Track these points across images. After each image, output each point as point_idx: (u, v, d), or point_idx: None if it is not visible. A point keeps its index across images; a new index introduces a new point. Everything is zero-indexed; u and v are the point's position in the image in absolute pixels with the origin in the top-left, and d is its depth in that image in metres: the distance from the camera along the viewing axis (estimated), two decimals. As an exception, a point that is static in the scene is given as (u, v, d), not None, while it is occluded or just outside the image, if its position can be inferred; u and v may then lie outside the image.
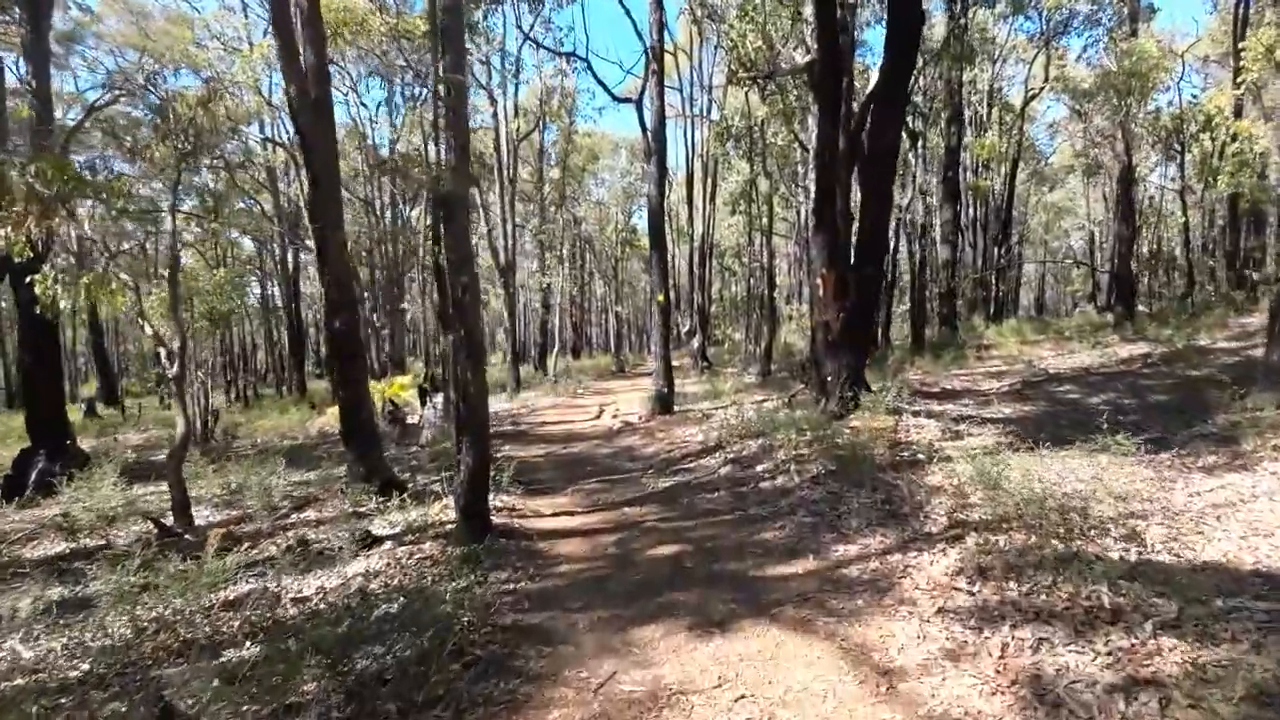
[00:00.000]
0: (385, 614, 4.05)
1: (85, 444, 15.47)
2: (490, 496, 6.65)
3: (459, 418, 5.02)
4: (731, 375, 18.17)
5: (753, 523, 5.39)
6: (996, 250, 28.31)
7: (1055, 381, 11.10)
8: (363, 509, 7.01)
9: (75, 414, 28.81)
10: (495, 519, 5.79)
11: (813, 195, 9.96)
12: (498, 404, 17.88)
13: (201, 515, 7.68)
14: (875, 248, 7.37)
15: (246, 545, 6.02)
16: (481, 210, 20.34)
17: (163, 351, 7.33)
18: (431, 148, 24.31)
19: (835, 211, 7.90)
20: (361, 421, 7.27)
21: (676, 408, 12.64)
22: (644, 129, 13.22)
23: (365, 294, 25.37)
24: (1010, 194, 28.02)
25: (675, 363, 18.47)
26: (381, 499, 7.10)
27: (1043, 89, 28.32)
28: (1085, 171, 28.18)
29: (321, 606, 4.34)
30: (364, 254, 24.21)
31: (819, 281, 7.93)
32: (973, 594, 3.66)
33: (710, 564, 4.57)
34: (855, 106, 10.56)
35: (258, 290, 34.14)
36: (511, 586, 4.31)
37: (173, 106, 8.16)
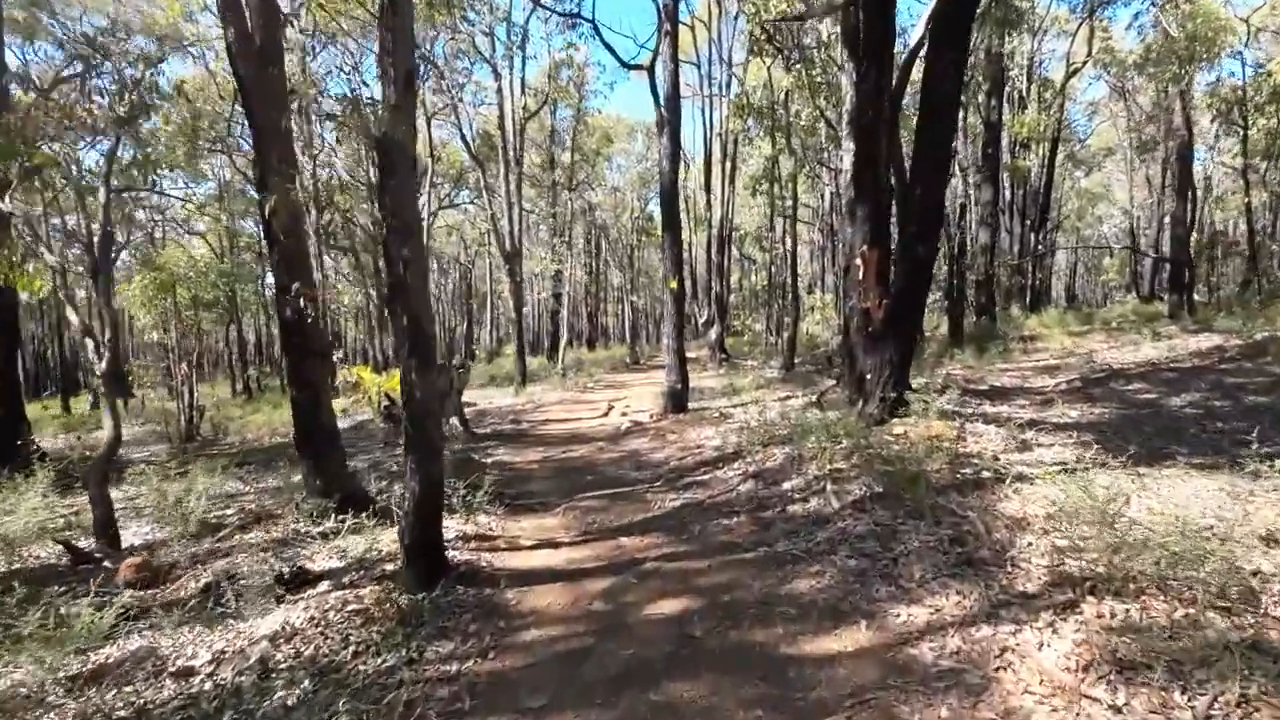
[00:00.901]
0: (280, 707, 2.96)
1: (66, 440, 14.70)
2: (461, 520, 5.57)
3: (405, 433, 3.90)
4: (752, 369, 16.95)
5: (781, 564, 4.22)
6: (1034, 235, 26.69)
7: (1121, 379, 9.77)
8: (316, 530, 5.96)
9: (82, 404, 28.48)
10: (459, 553, 4.67)
11: (847, 164, 8.69)
12: (502, 399, 16.85)
13: (139, 533, 6.68)
14: (928, 222, 6.13)
15: (161, 579, 4.99)
16: (486, 193, 19.25)
17: (90, 344, 6.30)
18: (434, 129, 23.30)
19: (878, 180, 6.66)
20: (318, 426, 6.19)
21: (691, 405, 11.48)
22: (656, 99, 11.99)
23: (370, 281, 24.44)
24: (1050, 175, 26.37)
25: (692, 355, 17.28)
26: (340, 517, 6.03)
27: (1085, 63, 26.58)
28: (1140, 148, 26.30)
29: (207, 686, 3.25)
30: (363, 241, 23.26)
31: (858, 263, 6.69)
32: (1119, 710, 2.46)
33: (727, 631, 3.41)
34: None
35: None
36: (454, 668, 3.17)
37: (107, 59, 7.08)
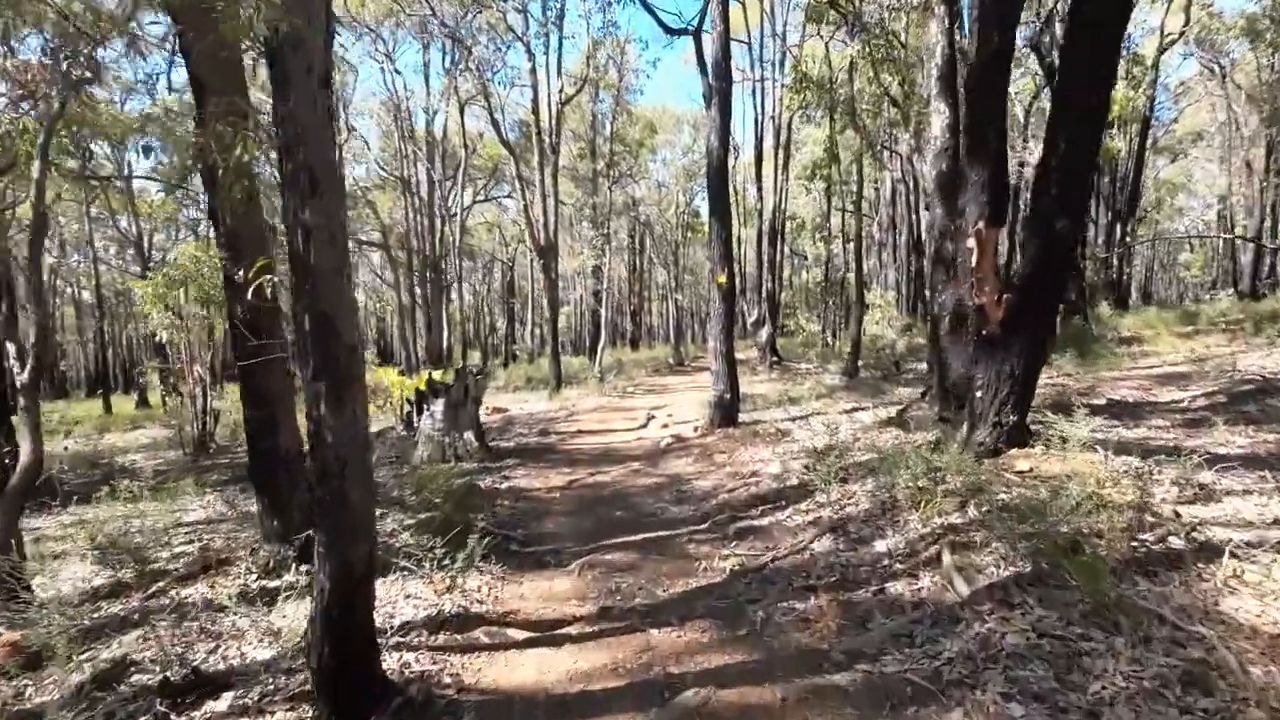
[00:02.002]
0: None
1: (77, 445, 14.01)
2: (441, 586, 4.20)
3: (314, 498, 2.53)
4: (809, 373, 15.27)
5: (897, 703, 2.71)
6: (1121, 226, 24.15)
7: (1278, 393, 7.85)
8: (271, 584, 4.70)
9: (126, 405, 28.55)
10: (418, 657, 3.29)
11: (938, 129, 7.05)
12: (536, 404, 15.62)
13: (77, 577, 5.56)
14: (1072, 186, 4.47)
15: (42, 664, 3.77)
16: (520, 183, 18.05)
17: (10, 349, 5.19)
18: (469, 121, 22.31)
19: (998, 135, 5.03)
20: (275, 453, 4.93)
21: (742, 416, 9.96)
22: (703, 69, 10.52)
23: (402, 279, 23.60)
24: (1140, 160, 23.84)
25: (740, 356, 15.72)
26: (301, 568, 4.77)
27: (1182, 33, 23.98)
28: (1269, 119, 23.54)
29: None
30: (399, 237, 22.47)
31: (969, 245, 5.08)
32: None
33: None
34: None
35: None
36: None
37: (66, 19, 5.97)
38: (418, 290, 21.91)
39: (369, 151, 24.86)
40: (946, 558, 3.75)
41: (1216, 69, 30.84)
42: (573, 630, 3.57)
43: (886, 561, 4.02)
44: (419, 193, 21.78)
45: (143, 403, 28.30)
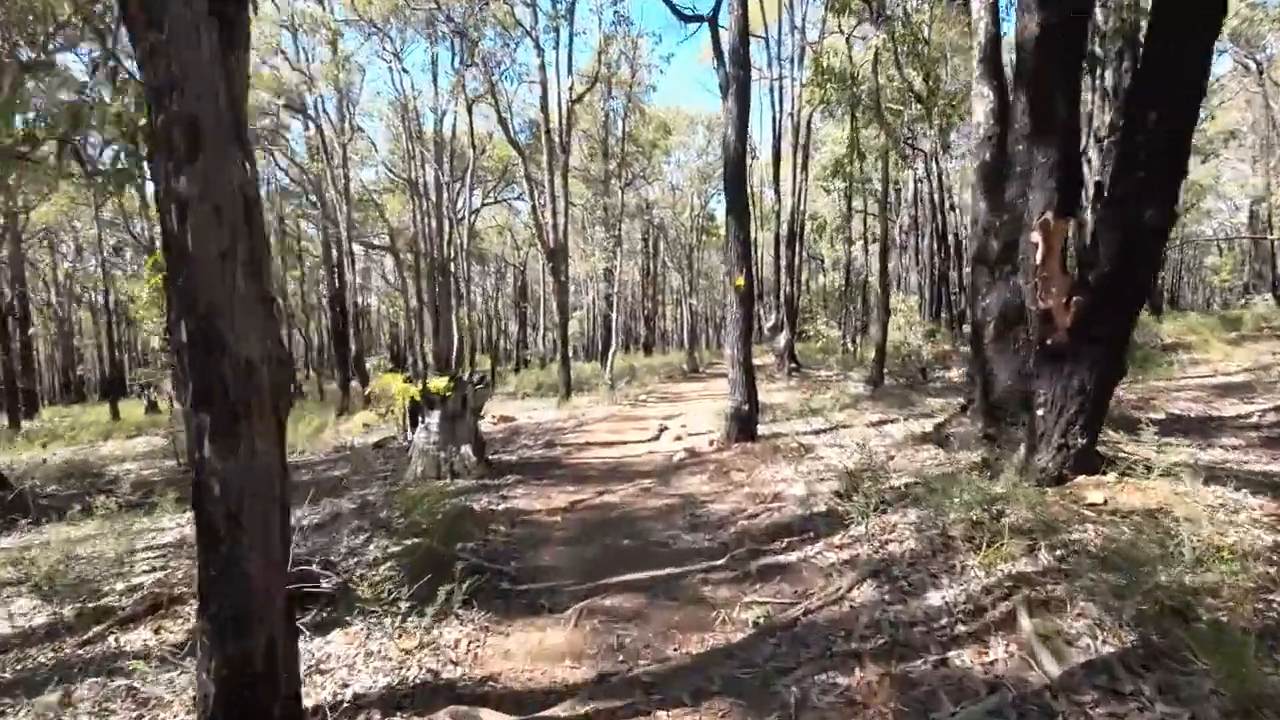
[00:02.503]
0: None
1: (68, 454, 13.58)
2: (409, 641, 3.54)
3: (199, 568, 1.88)
4: (830, 381, 14.54)
5: (987, 843, 2.01)
6: (1155, 228, 23.15)
7: (1363, 406, 7.04)
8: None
9: (136, 410, 28.30)
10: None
11: (980, 114, 6.35)
12: (544, 412, 15.00)
13: (18, 614, 4.98)
14: (1164, 168, 3.73)
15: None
16: (529, 183, 17.49)
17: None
18: (479, 121, 21.85)
19: (1068, 109, 4.31)
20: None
21: (761, 428, 9.26)
22: (720, 56, 9.87)
23: (410, 283, 23.12)
24: (1177, 158, 22.85)
25: (757, 361, 15.08)
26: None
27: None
28: None
29: None
30: (408, 240, 22.01)
31: (1034, 238, 4.35)
32: None
33: None
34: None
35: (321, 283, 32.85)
36: None
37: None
38: (426, 293, 21.41)
39: (376, 153, 24.49)
40: (1025, 622, 3.03)
41: (1253, 64, 29.97)
42: (561, 711, 2.89)
43: (945, 620, 3.30)
44: (427, 195, 21.32)
45: (151, 408, 28.05)
